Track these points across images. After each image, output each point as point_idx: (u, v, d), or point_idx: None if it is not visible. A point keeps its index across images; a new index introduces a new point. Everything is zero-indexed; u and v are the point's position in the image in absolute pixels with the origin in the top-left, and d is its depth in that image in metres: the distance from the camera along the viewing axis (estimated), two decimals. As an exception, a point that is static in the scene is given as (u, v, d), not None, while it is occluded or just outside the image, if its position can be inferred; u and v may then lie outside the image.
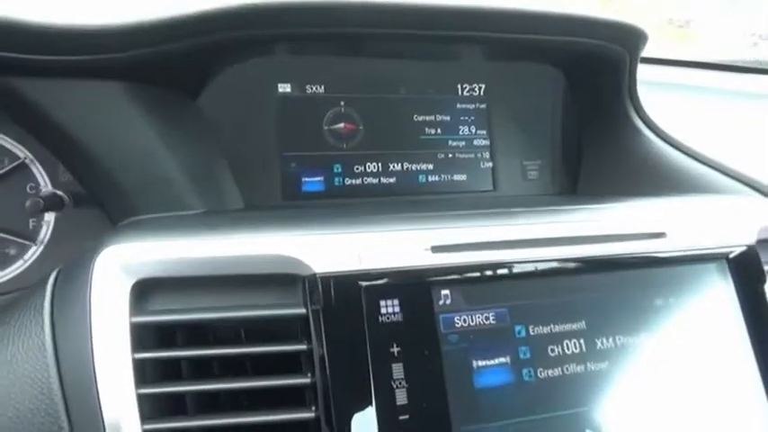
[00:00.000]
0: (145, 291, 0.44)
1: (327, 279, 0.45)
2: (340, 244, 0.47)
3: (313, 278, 0.45)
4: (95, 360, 0.41)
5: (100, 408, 0.40)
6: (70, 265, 0.47)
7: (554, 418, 0.47)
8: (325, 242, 0.47)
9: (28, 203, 0.64)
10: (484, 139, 0.80)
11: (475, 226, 0.51)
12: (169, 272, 0.44)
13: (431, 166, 0.79)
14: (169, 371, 0.45)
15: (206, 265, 0.45)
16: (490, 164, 0.80)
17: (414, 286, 0.47)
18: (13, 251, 0.66)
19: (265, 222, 0.49)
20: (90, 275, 0.43)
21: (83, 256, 0.45)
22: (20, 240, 0.66)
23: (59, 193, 0.67)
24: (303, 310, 0.45)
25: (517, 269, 0.50)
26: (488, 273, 0.49)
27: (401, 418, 0.44)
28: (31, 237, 0.67)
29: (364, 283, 0.46)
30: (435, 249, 0.48)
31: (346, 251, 0.46)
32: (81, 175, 0.64)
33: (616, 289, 0.52)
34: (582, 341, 0.50)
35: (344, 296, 0.45)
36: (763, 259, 0.57)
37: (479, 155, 0.80)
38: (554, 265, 0.51)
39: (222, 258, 0.45)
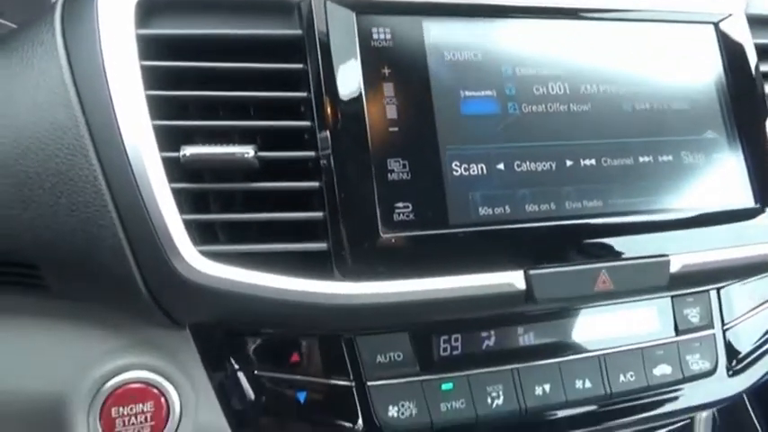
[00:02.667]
0: (150, 10, 0.47)
1: (321, 4, 0.47)
2: None
3: (308, 3, 0.47)
4: (106, 69, 0.44)
5: (115, 114, 0.43)
6: None
7: (535, 148, 0.50)
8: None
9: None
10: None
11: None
12: None
13: None
14: (179, 110, 0.47)
15: None
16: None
17: (405, 18, 0.49)
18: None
19: None
20: None
21: None
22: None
23: None
24: (299, 31, 0.47)
25: (508, 9, 0.52)
26: (478, 11, 0.51)
27: (391, 129, 0.47)
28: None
29: (356, 11, 0.48)
30: None
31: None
32: None
33: (603, 41, 0.54)
34: (566, 84, 0.52)
35: (338, 21, 0.47)
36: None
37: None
38: (545, 9, 0.53)
39: None
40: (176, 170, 0.44)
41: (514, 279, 0.47)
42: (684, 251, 0.51)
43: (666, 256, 0.50)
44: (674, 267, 0.50)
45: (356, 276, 0.44)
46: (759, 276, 0.63)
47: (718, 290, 0.61)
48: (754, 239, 0.54)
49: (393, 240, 0.45)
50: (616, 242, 0.50)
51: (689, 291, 0.60)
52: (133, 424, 0.45)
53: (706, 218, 0.53)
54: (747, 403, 1.44)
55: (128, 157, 0.43)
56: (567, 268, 0.48)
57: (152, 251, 0.42)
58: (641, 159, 0.53)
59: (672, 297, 0.59)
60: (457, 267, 0.46)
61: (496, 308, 0.49)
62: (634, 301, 0.58)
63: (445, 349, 0.53)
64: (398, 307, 0.45)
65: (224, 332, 0.49)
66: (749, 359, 0.61)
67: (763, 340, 0.63)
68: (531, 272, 0.47)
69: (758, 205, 0.55)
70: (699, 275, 0.52)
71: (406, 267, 0.45)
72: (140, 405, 0.45)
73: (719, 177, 0.55)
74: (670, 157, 0.54)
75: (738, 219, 0.54)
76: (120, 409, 0.45)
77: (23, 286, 0.45)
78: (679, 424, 0.64)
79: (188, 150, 0.43)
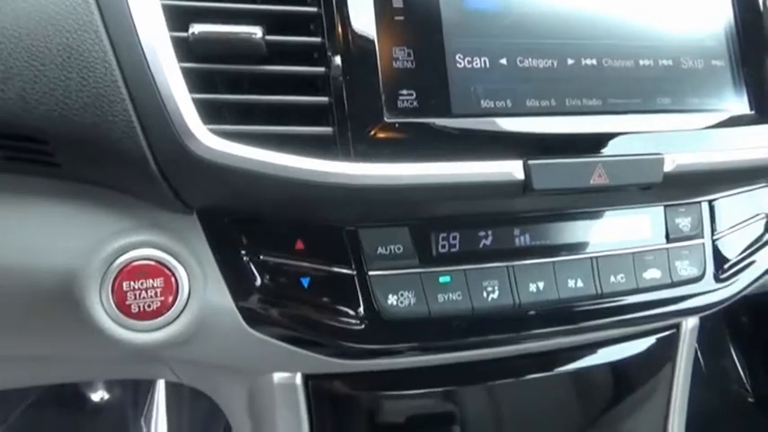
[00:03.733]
0: None
1: None
2: None
3: None
4: None
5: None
6: None
7: (538, 45, 0.51)
8: None
9: None
10: None
11: None
12: None
13: None
14: None
15: None
16: None
17: None
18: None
19: None
20: None
21: None
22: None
23: None
24: None
25: None
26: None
27: (396, 18, 0.48)
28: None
29: None
30: None
31: None
32: None
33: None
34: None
35: None
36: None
37: None
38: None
39: None
40: (185, 51, 0.44)
41: (513, 169, 0.48)
42: (679, 151, 0.52)
43: (661, 154, 0.52)
44: (669, 166, 0.52)
45: (360, 158, 0.45)
46: (749, 188, 0.64)
47: (710, 202, 0.63)
48: (747, 145, 0.55)
49: (396, 126, 0.46)
50: (613, 139, 0.51)
51: (681, 201, 0.62)
52: (144, 298, 0.47)
53: (702, 121, 0.54)
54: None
55: (137, 35, 0.43)
56: (565, 160, 0.49)
57: (162, 128, 0.43)
58: (641, 62, 0.54)
59: (665, 207, 0.61)
60: (457, 155, 0.47)
61: (494, 197, 0.51)
62: (628, 208, 0.60)
63: (443, 246, 0.55)
64: (398, 190, 0.47)
65: (230, 218, 0.51)
66: (735, 269, 0.64)
67: (749, 252, 0.65)
68: (530, 162, 0.48)
69: (753, 112, 0.56)
70: (692, 176, 0.53)
71: (408, 152, 0.47)
72: (150, 281, 0.47)
73: (717, 84, 0.56)
74: (669, 62, 0.54)
75: (734, 124, 0.56)
76: (132, 283, 0.47)
77: (34, 164, 0.46)
78: (666, 333, 0.67)
79: (197, 28, 0.44)
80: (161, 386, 1.39)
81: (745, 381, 1.73)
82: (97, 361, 0.66)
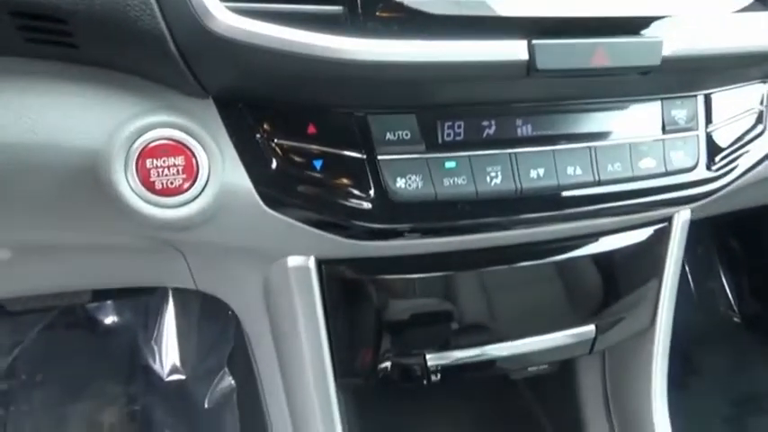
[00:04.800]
0: None
1: None
2: None
3: None
4: None
5: None
6: None
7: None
8: None
9: None
10: None
11: None
12: None
13: None
14: None
15: None
16: None
17: None
18: None
19: None
20: None
21: None
22: None
23: None
24: None
25: None
26: None
27: None
28: None
29: None
30: None
31: None
32: None
33: None
34: None
35: None
36: None
37: None
38: None
39: None
40: None
41: (518, 49, 0.50)
42: (678, 37, 0.54)
43: (660, 38, 0.53)
44: (667, 50, 0.53)
45: (369, 35, 0.47)
46: (743, 84, 0.67)
47: (706, 96, 0.65)
48: (746, 31, 0.57)
49: (405, 5, 0.48)
50: (616, 23, 0.53)
51: (678, 95, 0.64)
52: (166, 175, 0.49)
53: (702, 7, 0.56)
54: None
55: None
56: (568, 41, 0.51)
57: (180, 6, 0.45)
58: (644, -51, 0.55)
59: (662, 99, 0.63)
60: (464, 35, 0.49)
61: (499, 78, 0.53)
62: (627, 101, 0.62)
63: (449, 134, 0.57)
64: (406, 67, 0.48)
65: (245, 103, 0.53)
66: (726, 160, 0.66)
67: (740, 144, 0.67)
68: (534, 42, 0.50)
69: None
70: (689, 62, 0.55)
71: (416, 31, 0.48)
72: (172, 159, 0.49)
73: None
74: (671, -52, 0.56)
75: (734, 11, 0.57)
76: (154, 161, 0.49)
77: (54, 45, 0.48)
78: (658, 226, 0.70)
79: None
80: (171, 310, 1.44)
81: (732, 302, 1.79)
82: (118, 255, 0.69)
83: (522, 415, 0.70)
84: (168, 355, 1.40)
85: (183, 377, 1.36)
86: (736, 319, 1.75)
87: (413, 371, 0.64)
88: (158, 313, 1.44)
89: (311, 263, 0.60)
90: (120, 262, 0.72)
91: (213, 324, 1.43)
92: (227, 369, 1.36)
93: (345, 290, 0.62)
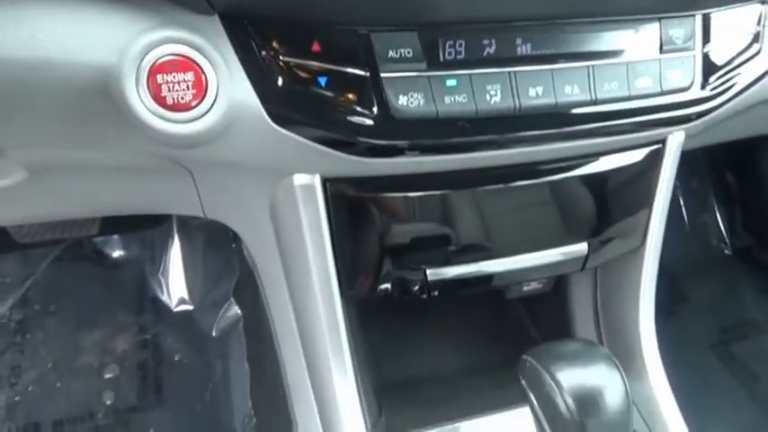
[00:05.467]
0: None
1: None
2: None
3: None
4: None
5: None
6: None
7: None
8: None
9: None
10: None
11: None
12: None
13: None
14: None
15: None
16: None
17: None
18: None
19: None
20: None
21: None
22: None
23: None
24: None
25: None
26: None
27: None
28: None
29: None
30: None
31: None
32: None
33: None
34: None
35: None
36: None
37: None
38: None
39: None
40: None
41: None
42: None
43: None
44: None
45: None
46: (742, 4, 0.67)
47: (704, 16, 0.66)
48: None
49: None
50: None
51: (676, 14, 0.64)
52: (177, 90, 0.51)
53: None
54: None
55: None
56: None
57: None
58: None
59: (660, 19, 0.64)
60: None
61: None
62: (625, 20, 0.63)
63: (450, 53, 0.58)
64: None
65: (251, 20, 0.54)
66: (721, 81, 0.68)
67: (736, 65, 0.69)
68: None
69: None
70: None
71: None
72: (182, 74, 0.51)
73: None
74: None
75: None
76: (165, 76, 0.50)
77: None
78: (652, 147, 0.72)
79: None
80: (176, 244, 1.48)
81: (724, 235, 1.83)
82: (128, 178, 0.71)
83: (515, 330, 0.74)
84: (175, 287, 1.45)
85: (190, 308, 1.42)
86: (727, 252, 1.80)
87: (414, 285, 0.68)
88: (164, 247, 1.48)
89: (316, 181, 0.62)
90: (130, 186, 0.75)
91: (218, 257, 1.47)
92: (233, 299, 1.41)
93: (349, 207, 0.65)
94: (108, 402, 1.25)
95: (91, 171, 0.69)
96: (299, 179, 0.62)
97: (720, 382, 1.47)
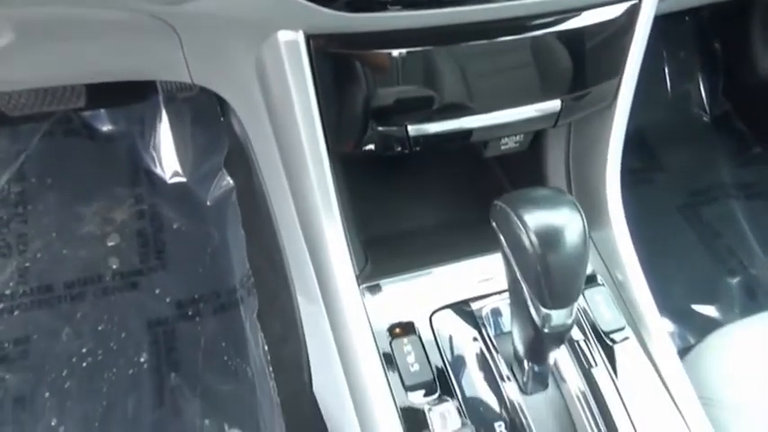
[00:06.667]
0: None
1: None
2: None
3: None
4: None
5: None
6: None
7: None
8: None
9: None
10: None
11: None
12: None
13: None
14: None
15: None
16: None
17: None
18: None
19: None
20: None
21: None
22: None
23: None
24: None
25: None
26: None
27: None
28: None
29: None
30: None
31: None
32: None
33: None
34: None
35: None
36: None
37: None
38: None
39: None
40: None
41: None
42: None
43: None
44: None
45: None
46: None
47: None
48: None
49: None
50: None
51: None
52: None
53: None
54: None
55: None
56: None
57: None
58: None
59: None
60: None
61: None
62: None
63: None
64: None
65: None
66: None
67: None
68: None
69: None
70: None
71: None
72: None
73: None
74: None
75: None
76: None
77: None
78: (628, 4, 0.74)
79: None
80: (164, 118, 1.50)
81: (705, 103, 1.87)
82: (112, 38, 0.72)
83: (493, 190, 0.80)
84: (168, 161, 1.49)
85: (183, 180, 1.47)
86: (705, 119, 1.84)
87: (396, 140, 0.72)
88: (153, 122, 1.50)
89: (300, 37, 0.64)
90: (117, 50, 0.76)
91: (206, 131, 1.50)
92: (224, 170, 1.46)
93: (333, 64, 0.67)
94: (114, 267, 1.33)
95: (77, 33, 0.70)
96: (284, 36, 0.64)
97: (683, 241, 1.58)
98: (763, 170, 1.76)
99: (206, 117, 1.50)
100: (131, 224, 1.41)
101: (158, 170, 1.48)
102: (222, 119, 1.43)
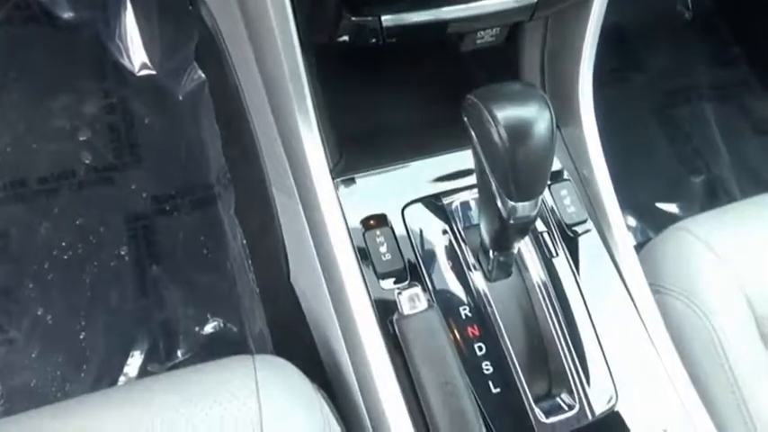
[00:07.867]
0: None
1: None
2: None
3: None
4: None
5: None
6: None
7: None
8: None
9: None
10: None
11: None
12: None
13: None
14: None
15: None
16: None
17: None
18: None
19: None
20: None
21: None
22: None
23: None
24: None
25: None
26: None
27: None
28: None
29: None
30: None
31: None
32: None
33: None
34: None
35: None
36: None
37: None
38: None
39: None
40: None
41: None
42: None
43: None
44: None
45: None
46: None
47: None
48: None
49: None
50: None
51: None
52: None
53: None
54: None
55: None
56: None
57: None
58: None
59: None
60: None
61: None
62: None
63: None
64: None
65: None
66: None
67: None
68: None
69: None
70: None
71: None
72: None
73: None
74: None
75: None
76: None
77: None
78: None
79: None
80: (128, 6, 1.42)
81: (689, 1, 1.83)
82: None
83: (468, 85, 0.79)
84: (135, 52, 1.43)
85: (153, 72, 1.42)
86: (687, 16, 1.81)
87: (370, 31, 0.70)
88: (117, 10, 1.43)
89: None
90: None
91: (174, 21, 1.43)
92: (195, 64, 1.41)
93: None
94: (87, 161, 1.32)
95: None
96: None
97: (653, 141, 1.61)
98: (739, 72, 1.77)
99: (173, 5, 1.43)
100: (102, 118, 1.38)
101: (126, 62, 1.43)
102: (191, 8, 1.37)
